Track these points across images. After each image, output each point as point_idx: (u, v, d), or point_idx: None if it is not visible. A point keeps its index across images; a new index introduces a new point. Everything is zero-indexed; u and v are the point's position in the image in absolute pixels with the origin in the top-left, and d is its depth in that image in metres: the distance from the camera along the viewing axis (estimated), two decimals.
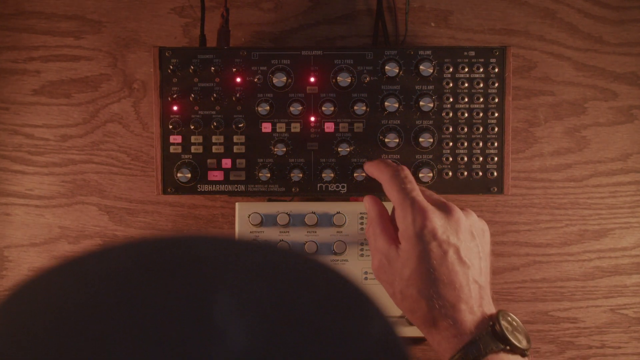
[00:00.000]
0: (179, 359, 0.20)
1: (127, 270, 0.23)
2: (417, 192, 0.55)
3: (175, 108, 0.65)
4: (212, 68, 0.64)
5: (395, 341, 0.24)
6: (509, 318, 0.52)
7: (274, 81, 0.64)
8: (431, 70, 0.64)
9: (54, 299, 0.23)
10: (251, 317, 0.21)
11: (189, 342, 0.20)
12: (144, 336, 0.20)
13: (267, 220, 0.66)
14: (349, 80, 0.64)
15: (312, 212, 0.66)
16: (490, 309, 0.53)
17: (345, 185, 0.66)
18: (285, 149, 0.65)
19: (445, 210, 0.54)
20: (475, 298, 0.52)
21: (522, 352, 0.50)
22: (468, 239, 0.53)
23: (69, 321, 0.21)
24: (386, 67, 0.64)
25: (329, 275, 0.26)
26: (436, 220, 0.53)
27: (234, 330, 0.21)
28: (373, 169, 0.59)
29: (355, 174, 0.65)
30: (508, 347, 0.50)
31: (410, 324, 0.66)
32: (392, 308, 0.65)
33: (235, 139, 0.66)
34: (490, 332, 0.50)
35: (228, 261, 0.24)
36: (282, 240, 0.66)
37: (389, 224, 0.56)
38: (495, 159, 0.66)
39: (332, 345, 0.22)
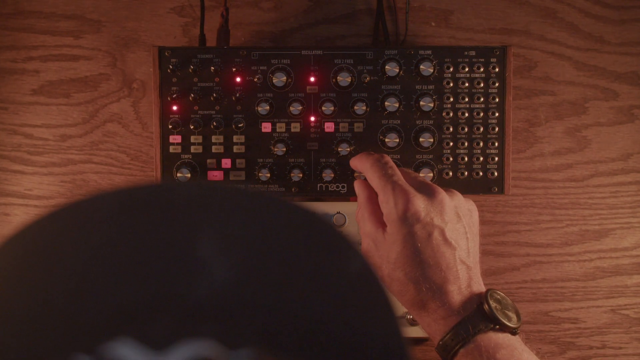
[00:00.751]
0: (166, 293, 0.21)
1: (115, 214, 0.24)
2: (398, 176, 0.55)
3: (174, 108, 0.65)
4: (212, 68, 0.64)
5: (372, 277, 0.26)
6: (498, 296, 0.52)
7: (273, 81, 0.64)
8: (431, 70, 0.64)
9: (48, 244, 0.24)
10: (233, 253, 0.23)
11: (175, 277, 0.21)
12: (132, 273, 0.22)
13: None
14: (349, 80, 0.64)
15: None
16: (480, 288, 0.52)
17: (346, 185, 0.66)
18: (285, 149, 0.65)
19: (428, 192, 0.54)
20: (463, 279, 0.52)
21: (511, 330, 0.50)
22: (454, 220, 0.53)
23: (61, 263, 0.23)
24: (386, 67, 0.64)
25: (308, 217, 0.27)
26: (419, 202, 0.52)
27: (216, 265, 0.22)
28: (357, 162, 0.59)
29: (355, 174, 0.65)
30: (497, 326, 0.50)
31: (412, 325, 0.66)
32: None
33: (235, 138, 0.65)
34: (479, 311, 0.50)
35: (211, 203, 0.25)
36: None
37: (378, 207, 0.56)
38: (496, 158, 0.66)
39: (311, 279, 0.23)
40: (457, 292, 0.51)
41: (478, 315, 0.50)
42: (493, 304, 0.50)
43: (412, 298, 0.52)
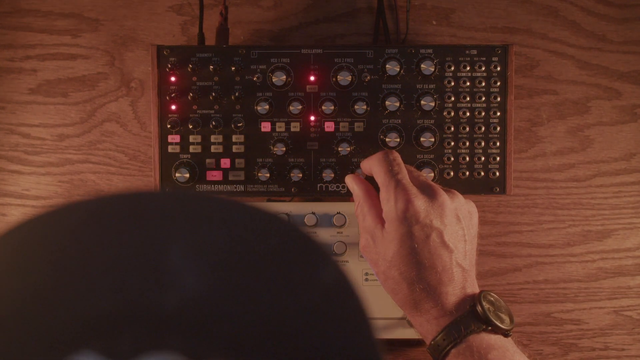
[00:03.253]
0: (133, 304, 0.21)
1: (85, 224, 0.24)
2: (402, 174, 0.54)
3: (173, 107, 0.64)
4: (211, 67, 0.64)
5: (346, 286, 0.25)
6: (492, 298, 0.52)
7: (273, 80, 0.64)
8: (432, 69, 0.63)
9: (18, 254, 0.24)
10: (203, 264, 0.22)
11: (143, 287, 0.21)
12: (99, 284, 0.21)
13: None
14: (349, 79, 0.63)
15: (312, 213, 0.65)
16: (474, 290, 0.52)
17: (346, 185, 0.65)
18: (284, 149, 0.64)
19: (429, 193, 0.53)
20: (458, 281, 0.52)
21: (504, 332, 0.51)
22: (453, 223, 0.53)
23: (28, 273, 0.22)
24: (387, 66, 0.63)
25: (281, 225, 0.26)
26: (419, 203, 0.52)
27: (186, 276, 0.22)
28: (366, 161, 0.59)
29: (356, 174, 0.65)
30: (490, 327, 0.50)
31: (411, 326, 0.65)
32: (390, 310, 0.65)
33: (234, 138, 0.65)
34: (472, 313, 0.50)
35: (181, 212, 0.25)
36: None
37: (377, 201, 0.56)
38: (498, 158, 0.65)
39: (283, 289, 0.23)
40: (451, 294, 0.51)
41: (471, 316, 0.50)
42: (486, 306, 0.50)
43: (405, 297, 0.52)
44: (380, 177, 0.55)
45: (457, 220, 0.53)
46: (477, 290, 0.53)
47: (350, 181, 0.59)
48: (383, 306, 0.65)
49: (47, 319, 0.20)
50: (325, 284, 0.24)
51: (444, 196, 0.53)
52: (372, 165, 0.56)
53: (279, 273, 0.24)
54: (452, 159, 0.65)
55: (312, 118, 0.65)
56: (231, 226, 0.25)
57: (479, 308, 0.50)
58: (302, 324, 0.22)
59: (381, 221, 0.54)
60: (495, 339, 0.50)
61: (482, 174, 0.65)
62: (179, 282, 0.21)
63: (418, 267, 0.51)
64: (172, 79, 0.64)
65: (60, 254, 0.23)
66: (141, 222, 0.24)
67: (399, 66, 0.63)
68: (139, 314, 0.20)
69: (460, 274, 0.52)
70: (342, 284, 0.25)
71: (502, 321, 0.50)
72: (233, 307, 0.21)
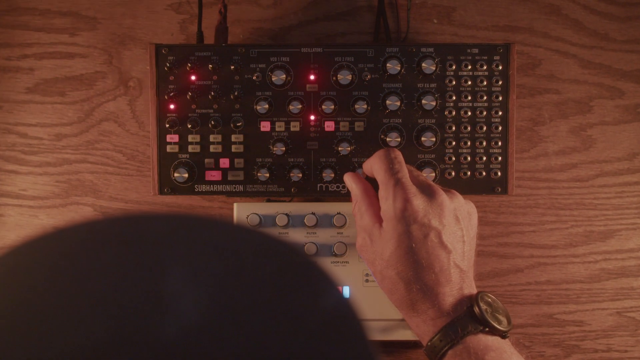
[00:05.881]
0: (131, 331, 0.20)
1: (82, 248, 0.24)
2: (403, 173, 0.54)
3: (172, 106, 0.64)
4: (210, 66, 0.63)
5: (347, 313, 0.25)
6: (489, 299, 0.52)
7: (272, 79, 0.63)
8: (433, 68, 0.63)
9: (12, 279, 0.23)
10: (203, 289, 0.22)
11: (141, 314, 0.21)
12: (96, 311, 0.21)
13: (266, 221, 0.65)
14: (349, 78, 0.63)
15: (312, 213, 0.65)
16: (471, 291, 0.52)
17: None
18: (284, 149, 0.63)
19: (428, 193, 0.53)
20: (456, 282, 0.51)
21: (501, 334, 0.50)
22: (452, 223, 0.53)
23: (26, 301, 0.22)
24: (387, 65, 0.63)
25: (282, 249, 0.26)
26: (418, 202, 0.52)
27: (186, 302, 0.21)
28: (367, 160, 0.58)
29: (355, 172, 0.64)
30: (487, 329, 0.49)
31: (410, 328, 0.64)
32: (389, 312, 0.64)
33: (234, 138, 0.64)
34: (469, 314, 0.50)
35: (180, 236, 0.25)
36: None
37: (375, 200, 0.55)
38: (499, 158, 0.64)
39: (284, 316, 0.23)
40: (449, 295, 0.51)
41: (468, 317, 0.50)
42: (483, 307, 0.50)
43: (401, 297, 0.52)
44: (380, 175, 0.54)
45: (456, 221, 0.53)
46: (474, 291, 0.52)
47: (348, 179, 0.58)
48: (382, 308, 0.64)
49: (41, 347, 0.20)
50: (326, 309, 0.24)
51: (443, 196, 0.53)
52: (372, 162, 0.56)
53: (279, 299, 0.23)
54: (454, 158, 0.64)
55: (312, 117, 0.64)
56: (231, 250, 0.24)
57: (476, 309, 0.50)
58: (302, 350, 0.22)
59: (379, 220, 0.54)
60: (493, 340, 0.50)
61: (484, 174, 0.64)
62: (177, 308, 0.21)
63: (415, 267, 0.51)
64: (171, 78, 0.63)
65: (56, 279, 0.22)
66: (138, 246, 0.23)
67: (399, 65, 0.63)
68: (137, 341, 0.20)
69: (458, 275, 0.52)
70: (343, 308, 0.25)
71: (499, 322, 0.50)
72: (232, 333, 0.21)
